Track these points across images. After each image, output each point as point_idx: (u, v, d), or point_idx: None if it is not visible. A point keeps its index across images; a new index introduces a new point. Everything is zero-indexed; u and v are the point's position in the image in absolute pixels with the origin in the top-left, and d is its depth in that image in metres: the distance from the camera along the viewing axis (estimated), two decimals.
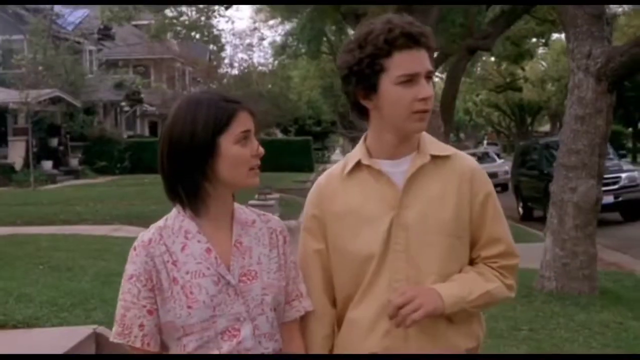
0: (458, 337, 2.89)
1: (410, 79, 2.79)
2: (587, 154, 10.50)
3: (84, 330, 7.39)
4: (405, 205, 2.87)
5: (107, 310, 8.30)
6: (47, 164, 37.34)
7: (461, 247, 2.92)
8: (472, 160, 3.03)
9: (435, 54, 23.56)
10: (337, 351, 2.98)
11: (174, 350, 2.73)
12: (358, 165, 2.97)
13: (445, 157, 2.93)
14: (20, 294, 8.68)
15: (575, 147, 10.56)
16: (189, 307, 2.67)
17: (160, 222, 2.80)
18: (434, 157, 2.91)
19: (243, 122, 2.72)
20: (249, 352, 2.72)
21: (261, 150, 2.76)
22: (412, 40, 2.80)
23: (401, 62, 2.79)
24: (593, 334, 8.55)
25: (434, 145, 2.95)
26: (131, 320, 2.69)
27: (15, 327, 7.62)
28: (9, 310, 7.99)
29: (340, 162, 3.10)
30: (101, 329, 7.46)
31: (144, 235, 2.77)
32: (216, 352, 2.68)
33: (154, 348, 2.71)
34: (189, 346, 2.70)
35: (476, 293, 2.84)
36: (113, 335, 2.74)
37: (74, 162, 41.08)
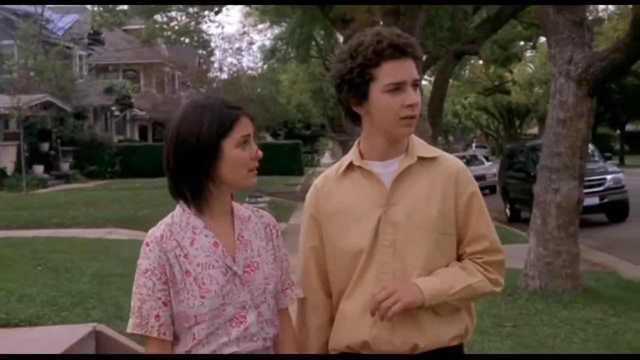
0: (442, 327, 3.07)
1: (397, 87, 3.01)
2: (569, 157, 10.80)
3: (84, 328, 7.62)
4: (393, 203, 3.09)
5: (106, 309, 8.59)
6: (39, 169, 37.40)
7: (447, 244, 3.10)
8: (457, 161, 3.21)
9: (424, 58, 23.91)
10: (331, 341, 3.22)
11: (184, 339, 2.95)
12: (351, 166, 3.21)
13: (432, 159, 3.14)
14: (22, 294, 8.86)
15: (557, 150, 10.86)
16: (202, 296, 2.89)
17: (167, 220, 3.01)
18: (421, 159, 3.12)
19: (244, 127, 2.95)
20: (254, 337, 2.97)
21: (260, 153, 3.00)
22: (399, 51, 3.02)
23: (389, 72, 3.01)
24: (575, 329, 8.81)
25: (421, 147, 3.17)
26: (147, 312, 2.89)
27: (17, 325, 7.82)
28: (11, 310, 8.17)
29: (335, 164, 3.34)
30: (101, 327, 7.70)
31: (155, 231, 2.98)
32: (225, 338, 2.92)
33: (169, 337, 2.92)
34: (200, 334, 2.92)
35: (457, 287, 3.01)
36: (131, 327, 2.93)
37: (64, 166, 41.08)
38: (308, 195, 3.35)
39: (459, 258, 3.17)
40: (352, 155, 3.23)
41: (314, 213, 3.27)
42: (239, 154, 2.93)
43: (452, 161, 3.20)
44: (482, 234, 3.14)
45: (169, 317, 2.92)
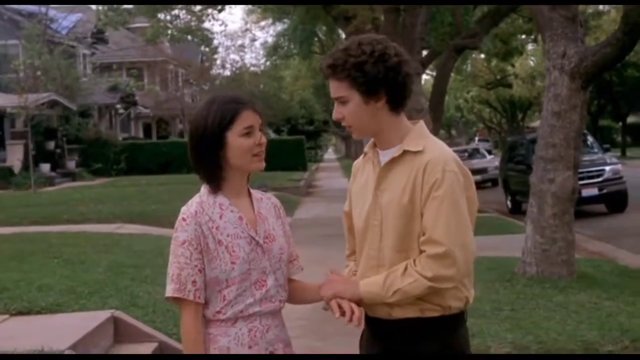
0: (411, 304, 3.48)
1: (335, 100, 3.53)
2: (564, 147, 11.14)
3: (103, 314, 8.05)
4: (382, 188, 3.53)
5: (122, 297, 9.01)
6: (45, 167, 37.58)
7: (416, 228, 3.42)
8: (436, 154, 3.45)
9: (425, 53, 24.23)
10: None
11: (214, 302, 3.41)
12: (366, 153, 3.69)
13: (417, 152, 3.48)
14: (41, 284, 9.24)
15: (552, 141, 11.20)
16: (233, 262, 3.38)
17: (197, 199, 3.47)
18: (406, 151, 3.50)
19: (246, 119, 3.41)
20: (272, 299, 3.48)
21: (264, 139, 3.48)
22: (327, 73, 3.53)
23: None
24: (569, 313, 9.13)
25: (412, 140, 3.52)
26: (185, 278, 3.35)
27: (39, 313, 8.24)
28: (32, 299, 8.58)
29: None
30: (118, 313, 8.16)
31: (189, 208, 3.43)
32: (251, 299, 3.41)
33: (202, 301, 3.38)
34: (230, 295, 3.39)
35: (391, 290, 3.38)
36: (170, 291, 3.38)
37: (70, 164, 41.23)
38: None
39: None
40: (369, 144, 3.69)
41: (349, 186, 3.80)
42: (242, 142, 3.41)
43: (430, 154, 3.46)
44: (426, 225, 3.39)
45: (202, 282, 3.38)
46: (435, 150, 3.48)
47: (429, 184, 3.40)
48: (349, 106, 3.48)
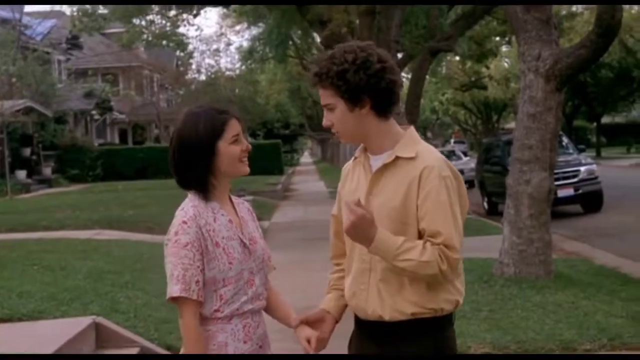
0: (403, 303, 3.53)
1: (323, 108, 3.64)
2: (539, 149, 11.23)
3: (85, 321, 8.06)
4: (374, 193, 3.61)
5: (103, 303, 9.03)
6: (21, 174, 37.37)
7: (407, 232, 3.50)
8: (429, 160, 3.53)
9: (400, 55, 24.30)
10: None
11: (210, 301, 3.55)
12: (356, 157, 3.77)
13: (410, 158, 3.56)
14: (21, 291, 9.24)
15: (528, 143, 11.29)
16: (230, 262, 3.56)
17: (190, 203, 3.61)
18: (399, 158, 3.57)
19: (233, 127, 3.63)
20: (260, 296, 3.70)
21: (249, 146, 3.69)
22: (313, 81, 3.63)
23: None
24: (547, 312, 9.25)
25: (405, 146, 3.60)
26: (190, 279, 3.47)
27: (20, 320, 8.25)
28: (12, 306, 8.58)
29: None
30: (100, 319, 8.17)
31: (187, 212, 3.56)
32: (244, 297, 3.61)
33: (203, 300, 3.51)
34: (227, 294, 3.56)
35: (404, 257, 3.41)
36: (177, 291, 3.46)
37: (46, 171, 41.02)
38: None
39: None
40: (359, 149, 3.77)
41: (339, 189, 3.89)
42: (232, 149, 3.61)
43: (424, 161, 3.54)
44: (436, 230, 3.46)
45: (203, 282, 3.51)
46: (428, 157, 3.57)
47: (425, 190, 3.50)
48: (336, 113, 3.58)
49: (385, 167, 3.59)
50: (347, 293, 3.75)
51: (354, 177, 3.76)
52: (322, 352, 3.82)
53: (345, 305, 3.83)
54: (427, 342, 3.55)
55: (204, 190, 3.60)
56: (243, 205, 3.86)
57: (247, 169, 3.68)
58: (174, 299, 3.50)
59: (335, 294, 3.90)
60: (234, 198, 3.82)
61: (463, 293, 3.65)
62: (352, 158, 3.83)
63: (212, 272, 3.53)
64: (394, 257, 3.43)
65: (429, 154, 3.58)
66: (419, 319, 3.53)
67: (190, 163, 3.58)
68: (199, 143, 3.55)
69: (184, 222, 3.53)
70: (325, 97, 3.58)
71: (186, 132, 3.59)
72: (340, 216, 3.78)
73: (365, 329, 3.68)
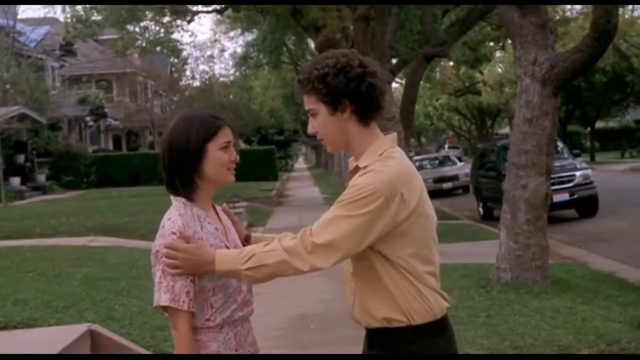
0: (374, 308, 3.53)
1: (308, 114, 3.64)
2: (536, 154, 11.22)
3: (80, 328, 8.01)
4: None
5: (98, 311, 8.98)
6: (15, 181, 37.25)
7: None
8: (369, 170, 3.50)
9: (394, 61, 24.32)
10: None
11: (201, 310, 3.49)
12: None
13: (364, 168, 3.53)
14: (16, 298, 9.17)
15: (524, 148, 11.29)
16: None
17: (176, 212, 3.54)
18: (358, 167, 3.57)
19: (226, 134, 3.62)
20: (248, 303, 3.65)
21: (237, 158, 3.67)
22: (298, 87, 3.65)
23: None
24: (545, 318, 9.24)
25: (367, 157, 3.55)
26: (179, 289, 3.41)
27: (15, 327, 8.20)
28: (7, 313, 8.53)
29: None
30: (95, 327, 8.13)
31: (175, 222, 3.49)
32: (234, 305, 3.57)
33: (195, 310, 3.45)
34: (218, 302, 3.51)
35: (248, 256, 3.43)
36: (166, 300, 3.40)
37: (40, 177, 40.91)
38: None
39: None
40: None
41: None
42: (221, 155, 3.59)
43: (360, 174, 3.52)
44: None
45: (193, 292, 3.45)
46: (375, 166, 3.51)
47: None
48: (318, 119, 3.60)
49: (351, 174, 3.62)
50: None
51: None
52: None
53: None
54: (400, 352, 3.53)
55: (188, 191, 3.58)
56: (223, 213, 3.84)
57: (233, 178, 3.67)
58: (164, 308, 3.44)
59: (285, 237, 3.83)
60: (216, 206, 3.81)
61: (441, 301, 3.60)
62: None
63: (202, 282, 3.49)
64: (240, 261, 3.44)
65: (377, 166, 3.51)
66: (393, 328, 3.53)
67: (179, 162, 3.56)
68: (190, 142, 3.54)
69: (173, 233, 3.47)
70: (309, 102, 3.60)
71: (178, 132, 3.59)
72: None
73: (366, 333, 3.71)
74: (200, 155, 3.55)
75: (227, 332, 3.55)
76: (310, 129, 3.66)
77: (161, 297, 3.43)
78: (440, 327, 3.58)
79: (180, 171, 3.57)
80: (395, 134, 3.72)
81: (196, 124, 3.58)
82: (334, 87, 3.50)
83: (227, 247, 3.60)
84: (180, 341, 3.45)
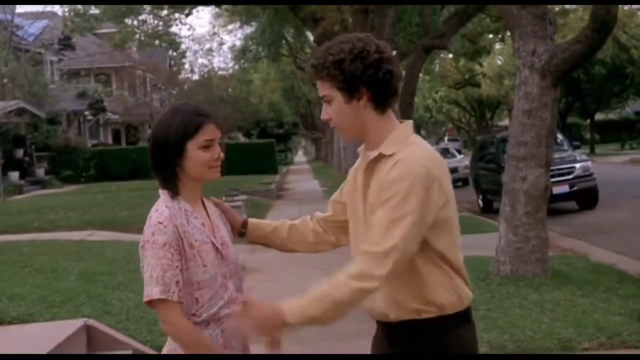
0: (405, 300, 3.43)
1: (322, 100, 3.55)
2: (535, 145, 11.15)
3: (76, 323, 7.93)
4: (368, 194, 3.51)
5: (94, 305, 8.92)
6: (14, 175, 37.23)
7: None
8: (398, 157, 3.38)
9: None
10: None
11: (186, 304, 3.43)
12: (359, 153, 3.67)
13: (390, 155, 3.43)
14: (12, 294, 9.09)
15: (523, 139, 11.22)
16: (204, 265, 3.45)
17: (163, 205, 3.49)
18: (382, 155, 3.45)
19: (208, 132, 3.50)
20: (235, 301, 3.48)
21: (221, 155, 3.56)
22: (311, 73, 3.56)
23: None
24: (544, 311, 9.17)
25: (390, 143, 3.46)
26: (170, 279, 3.35)
27: (11, 323, 8.12)
28: (2, 309, 8.45)
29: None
30: (91, 322, 8.04)
31: (162, 213, 3.44)
32: (222, 302, 3.49)
33: (182, 301, 3.39)
34: (204, 298, 3.45)
35: (324, 301, 3.27)
36: (158, 293, 3.34)
37: (39, 172, 40.92)
38: None
39: None
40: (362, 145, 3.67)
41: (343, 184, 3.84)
42: (200, 155, 3.49)
43: (396, 158, 3.39)
44: (372, 224, 3.37)
45: (182, 283, 3.39)
46: (401, 155, 3.41)
47: (378, 184, 3.42)
48: (333, 106, 3.48)
49: (372, 163, 3.49)
50: None
51: (355, 177, 3.66)
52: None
53: (268, 236, 3.94)
54: (432, 342, 3.44)
55: (169, 188, 3.52)
56: (215, 209, 3.76)
57: (217, 175, 3.57)
58: (152, 302, 3.38)
59: (282, 224, 3.95)
60: (206, 201, 3.72)
61: (467, 291, 3.56)
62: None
63: (188, 274, 3.42)
64: (316, 310, 3.29)
65: (407, 150, 3.42)
66: (424, 319, 3.43)
67: (160, 157, 3.51)
68: (169, 139, 3.47)
69: (160, 223, 3.42)
70: (323, 89, 3.49)
71: (161, 126, 3.53)
72: (336, 201, 3.84)
73: (380, 328, 3.62)
74: (180, 152, 3.47)
75: (213, 329, 3.48)
76: (323, 115, 3.55)
77: (152, 291, 3.37)
78: (465, 317, 3.53)
79: (163, 166, 3.52)
80: (411, 121, 3.64)
81: (177, 121, 3.49)
82: (350, 74, 3.39)
83: (214, 244, 3.52)
84: (178, 334, 3.43)
